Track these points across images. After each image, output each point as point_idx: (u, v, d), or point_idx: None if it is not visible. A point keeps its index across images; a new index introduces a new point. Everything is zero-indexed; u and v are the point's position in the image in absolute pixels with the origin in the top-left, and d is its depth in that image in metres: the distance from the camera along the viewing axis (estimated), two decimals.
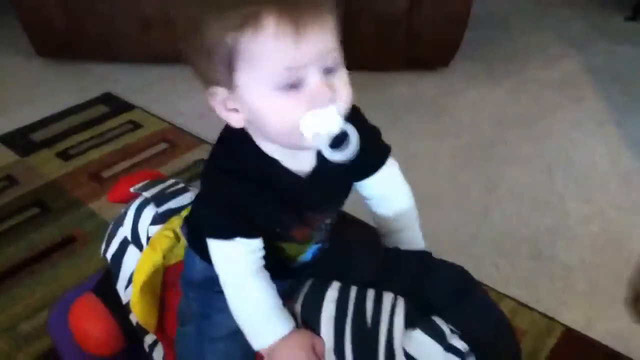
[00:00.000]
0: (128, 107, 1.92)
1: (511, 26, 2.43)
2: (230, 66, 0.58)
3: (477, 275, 1.25)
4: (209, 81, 0.62)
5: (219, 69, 0.59)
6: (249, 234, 0.65)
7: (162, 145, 1.71)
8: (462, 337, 0.59)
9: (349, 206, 0.77)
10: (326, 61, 0.59)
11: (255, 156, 0.64)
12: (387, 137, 1.85)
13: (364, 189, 0.74)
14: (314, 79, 0.58)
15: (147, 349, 0.89)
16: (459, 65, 2.11)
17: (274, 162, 0.65)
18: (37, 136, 1.78)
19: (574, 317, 1.20)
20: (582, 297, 1.26)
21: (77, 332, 0.92)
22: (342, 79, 0.61)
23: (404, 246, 0.74)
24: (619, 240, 1.40)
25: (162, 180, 0.94)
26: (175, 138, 1.73)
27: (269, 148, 0.65)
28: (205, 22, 0.57)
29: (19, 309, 1.23)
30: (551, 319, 1.20)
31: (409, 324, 0.60)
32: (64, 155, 1.70)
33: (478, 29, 2.23)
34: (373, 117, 2.14)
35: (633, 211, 1.49)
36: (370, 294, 0.64)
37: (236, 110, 0.63)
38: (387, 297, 0.63)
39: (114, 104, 1.94)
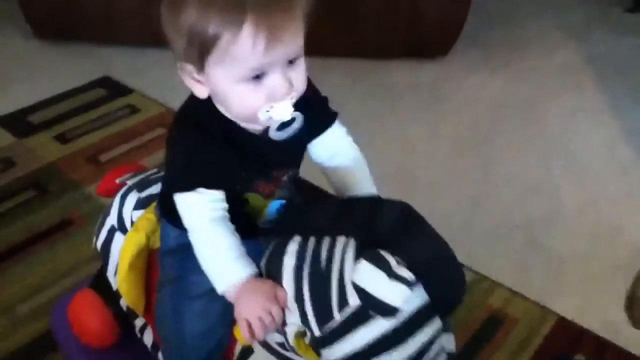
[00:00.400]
0: (126, 90, 1.91)
1: (511, 14, 2.43)
2: (204, 54, 0.65)
3: (471, 262, 1.27)
4: (181, 57, 0.68)
5: (193, 52, 0.65)
6: (209, 185, 0.70)
7: (159, 130, 1.71)
8: (409, 268, 0.61)
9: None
10: (290, 56, 0.66)
11: (216, 117, 0.71)
12: (386, 124, 1.87)
13: (315, 151, 0.80)
14: (274, 75, 0.65)
15: (138, 334, 0.91)
16: (459, 53, 2.10)
17: (233, 123, 0.71)
18: (35, 118, 1.78)
19: (567, 306, 1.21)
20: (575, 286, 1.27)
21: (76, 325, 0.95)
22: (300, 69, 0.68)
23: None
24: (613, 230, 1.41)
25: (146, 170, 0.97)
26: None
27: (228, 114, 0.72)
28: (193, 10, 0.62)
29: (16, 290, 1.24)
30: (544, 307, 1.21)
31: (358, 258, 0.63)
32: (62, 138, 1.70)
33: (478, 18, 2.23)
34: (373, 104, 2.16)
35: (628, 201, 1.50)
36: (326, 241, 0.67)
37: (202, 82, 0.69)
38: (340, 240, 0.66)
39: (112, 88, 1.93)
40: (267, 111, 0.67)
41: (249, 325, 0.67)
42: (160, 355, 0.85)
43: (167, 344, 0.80)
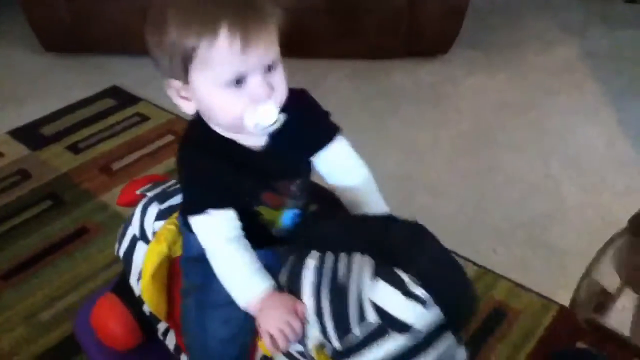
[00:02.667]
0: (134, 100, 1.96)
1: (510, 13, 2.46)
2: (185, 65, 0.69)
3: (474, 259, 1.31)
4: (166, 74, 0.72)
5: (175, 65, 0.69)
6: (219, 205, 0.73)
7: (169, 137, 1.76)
8: (423, 286, 0.64)
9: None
10: (267, 62, 0.69)
11: (213, 135, 0.74)
12: (387, 124, 1.89)
13: (320, 166, 0.82)
14: (254, 79, 0.69)
15: (160, 336, 0.95)
16: (459, 52, 2.14)
17: (229, 141, 0.75)
18: (47, 130, 1.83)
19: (568, 299, 1.24)
20: (576, 280, 1.30)
21: (99, 329, 0.99)
22: (279, 76, 0.72)
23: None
24: (614, 226, 1.44)
25: (165, 181, 1.01)
26: (181, 130, 1.75)
27: (221, 130, 0.75)
28: (170, 26, 0.67)
29: (38, 298, 1.29)
30: (546, 299, 1.25)
31: (374, 277, 0.67)
32: (74, 149, 1.75)
33: (478, 16, 2.27)
34: (373, 106, 2.20)
35: (628, 197, 1.53)
36: (343, 257, 0.71)
37: (188, 99, 0.73)
38: (356, 258, 0.70)
39: (121, 97, 1.98)
40: (252, 116, 0.69)
41: (272, 338, 0.70)
42: (182, 358, 0.90)
43: (193, 351, 0.84)
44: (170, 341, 0.93)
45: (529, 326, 1.19)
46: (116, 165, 1.68)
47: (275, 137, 0.74)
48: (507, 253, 1.37)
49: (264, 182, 0.77)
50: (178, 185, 0.97)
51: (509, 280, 1.29)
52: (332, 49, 2.06)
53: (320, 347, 0.72)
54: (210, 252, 0.75)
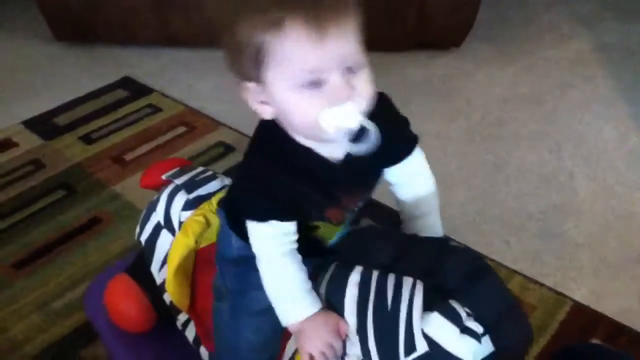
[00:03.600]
0: (146, 90, 1.97)
1: (523, 6, 2.44)
2: (257, 63, 0.63)
3: (486, 251, 1.31)
4: (240, 76, 0.67)
5: (248, 65, 0.64)
6: (283, 218, 0.70)
7: (181, 129, 1.76)
8: (477, 320, 0.62)
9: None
10: (347, 63, 0.63)
11: (289, 144, 0.69)
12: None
13: (390, 175, 0.78)
14: (334, 79, 0.62)
15: (180, 327, 0.94)
16: (471, 45, 2.13)
17: (307, 150, 0.69)
18: (60, 121, 1.84)
19: (582, 293, 1.25)
20: (589, 273, 1.30)
21: (112, 310, 0.98)
22: (363, 78, 0.65)
23: (423, 232, 0.78)
24: (626, 218, 1.44)
25: (191, 167, 0.98)
26: (192, 121, 1.78)
27: (300, 137, 0.69)
28: (236, 23, 0.63)
29: (51, 287, 1.30)
30: (560, 294, 1.24)
31: (427, 306, 0.64)
32: (87, 139, 1.75)
33: (490, 9, 2.25)
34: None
35: None
36: (391, 278, 0.68)
37: (266, 103, 0.67)
38: (407, 282, 0.67)
39: (133, 88, 1.98)
40: (330, 118, 0.63)
41: (312, 358, 0.69)
42: (202, 349, 0.90)
43: (222, 353, 0.83)
44: (190, 333, 0.92)
45: (542, 321, 1.19)
46: (129, 156, 1.68)
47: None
48: (519, 246, 1.37)
49: (334, 196, 0.72)
50: (207, 174, 0.95)
51: (522, 275, 1.29)
52: None
53: None
54: (263, 262, 0.73)
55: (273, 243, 0.71)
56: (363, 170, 0.72)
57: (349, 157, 0.69)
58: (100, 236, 1.42)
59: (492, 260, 1.32)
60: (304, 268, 0.72)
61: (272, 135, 0.69)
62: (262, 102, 0.68)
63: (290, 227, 0.71)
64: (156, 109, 1.87)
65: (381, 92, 0.71)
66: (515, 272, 1.30)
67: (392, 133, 0.68)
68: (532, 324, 1.16)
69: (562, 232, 1.40)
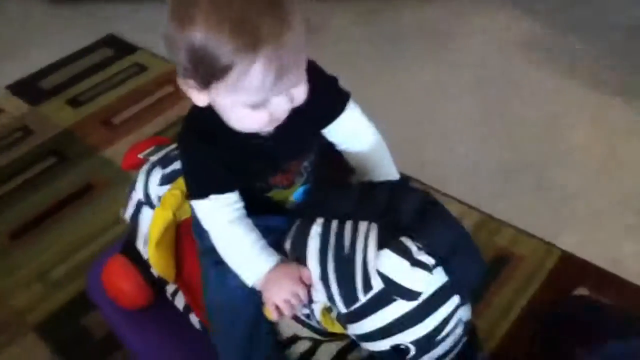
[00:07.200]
0: (132, 48, 1.93)
1: None
2: (210, 80, 0.64)
3: (478, 203, 1.32)
4: (184, 73, 0.65)
5: (197, 73, 0.64)
6: (220, 190, 0.73)
7: (169, 89, 1.73)
8: (429, 253, 0.65)
9: None
10: (295, 84, 0.67)
11: (220, 124, 0.70)
12: (393, 66, 1.84)
13: (330, 135, 0.80)
14: (279, 101, 0.66)
15: (169, 297, 0.97)
16: None
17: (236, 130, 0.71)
18: (46, 84, 1.82)
19: (571, 242, 1.26)
20: (579, 222, 1.31)
21: (110, 290, 1.01)
22: (302, 88, 0.68)
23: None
24: (621, 165, 1.44)
25: (167, 145, 1.00)
26: None
27: None
28: (202, 29, 0.60)
29: (49, 255, 1.32)
30: (549, 243, 1.26)
31: (380, 246, 0.67)
32: (74, 103, 1.74)
33: None
34: (379, 47, 2.12)
35: (636, 135, 1.51)
36: (349, 225, 0.71)
37: (202, 93, 0.68)
38: (362, 225, 0.70)
39: (118, 47, 1.95)
40: (268, 127, 0.69)
41: (278, 308, 0.72)
42: (192, 316, 0.92)
43: (211, 309, 0.84)
44: (180, 301, 0.95)
45: (531, 271, 1.21)
46: (117, 119, 1.67)
47: (286, 118, 0.70)
48: (512, 196, 1.38)
49: (273, 165, 0.75)
50: None
51: (513, 226, 1.30)
52: None
53: (327, 310, 0.74)
54: (212, 234, 0.76)
55: (218, 214, 0.74)
56: (298, 135, 0.74)
57: (279, 128, 0.72)
58: (94, 203, 1.43)
59: (483, 212, 1.33)
60: (254, 228, 0.75)
61: (203, 116, 0.71)
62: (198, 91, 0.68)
63: (231, 197, 0.74)
64: (143, 68, 1.84)
65: (308, 59, 0.71)
66: (506, 224, 1.31)
67: (321, 96, 0.71)
68: (522, 274, 1.21)
69: (554, 181, 1.40)
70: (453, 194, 1.36)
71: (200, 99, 0.68)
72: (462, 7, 2.02)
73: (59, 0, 2.13)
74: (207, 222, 0.76)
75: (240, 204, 0.75)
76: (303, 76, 0.67)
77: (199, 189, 0.74)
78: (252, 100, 0.65)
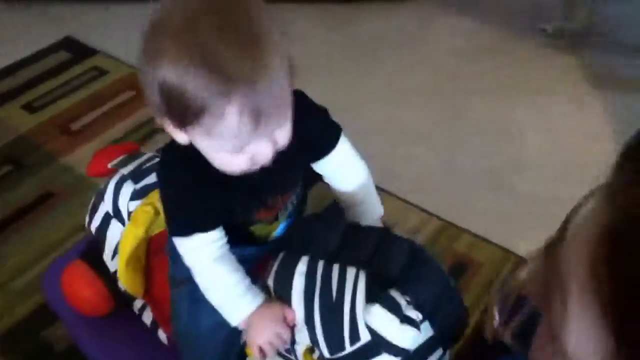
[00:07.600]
0: (90, 52, 1.89)
1: None
2: (185, 120, 0.61)
3: (438, 209, 1.35)
4: (159, 112, 0.63)
5: (176, 115, 0.61)
6: (205, 229, 0.70)
7: (129, 93, 1.71)
8: (416, 307, 0.67)
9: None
10: (278, 127, 0.64)
11: (202, 159, 0.67)
12: (362, 71, 1.83)
13: (319, 168, 0.78)
14: (261, 143, 0.63)
15: (137, 312, 0.96)
16: None
17: None
18: (0, 88, 1.76)
19: (530, 248, 1.30)
20: (539, 228, 1.33)
21: (70, 297, 0.99)
22: (286, 131, 0.65)
23: (364, 217, 0.81)
24: (580, 169, 1.49)
25: (139, 154, 0.97)
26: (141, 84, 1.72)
27: None
28: (171, 67, 0.58)
29: (9, 267, 1.29)
30: (507, 250, 1.30)
31: (370, 298, 0.68)
32: (30, 108, 1.69)
33: None
34: (347, 54, 2.11)
35: (594, 140, 1.55)
36: (336, 268, 0.71)
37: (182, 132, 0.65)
38: (350, 272, 0.70)
39: (76, 49, 1.90)
40: (250, 169, 0.66)
41: (261, 351, 0.71)
42: (159, 332, 0.92)
43: (182, 338, 0.84)
44: (147, 317, 0.95)
45: (490, 278, 1.25)
46: (76, 125, 1.64)
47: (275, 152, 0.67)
48: (472, 202, 1.41)
49: (259, 200, 0.73)
50: (154, 162, 0.94)
51: (471, 233, 1.34)
52: None
53: (309, 351, 0.74)
54: (196, 272, 0.73)
55: (201, 252, 0.71)
56: (286, 170, 0.72)
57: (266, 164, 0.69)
58: (53, 212, 1.40)
59: (443, 220, 1.36)
60: (239, 267, 0.73)
61: (184, 147, 0.67)
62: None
63: (216, 234, 0.71)
64: (102, 72, 1.81)
65: (297, 90, 0.68)
66: (465, 230, 1.35)
67: (311, 130, 0.70)
68: (480, 281, 1.24)
69: (514, 187, 1.44)
70: (413, 202, 1.39)
71: (180, 137, 0.66)
72: (425, 12, 2.05)
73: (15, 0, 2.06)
74: (189, 260, 0.73)
75: (224, 240, 0.73)
76: (287, 119, 0.64)
77: (181, 228, 0.71)
78: (229, 146, 0.62)
